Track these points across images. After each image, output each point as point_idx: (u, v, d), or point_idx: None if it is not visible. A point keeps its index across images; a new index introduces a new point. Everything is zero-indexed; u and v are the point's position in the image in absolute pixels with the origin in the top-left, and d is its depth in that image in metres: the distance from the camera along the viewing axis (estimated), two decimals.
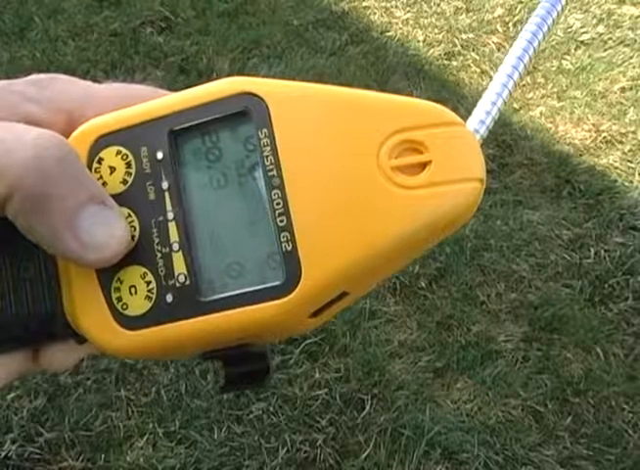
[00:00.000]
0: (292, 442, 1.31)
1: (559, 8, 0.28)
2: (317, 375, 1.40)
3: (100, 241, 0.24)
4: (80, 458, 1.27)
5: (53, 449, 1.28)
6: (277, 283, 0.24)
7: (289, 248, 0.25)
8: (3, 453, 1.26)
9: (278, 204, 0.25)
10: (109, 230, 0.24)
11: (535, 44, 0.27)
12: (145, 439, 1.29)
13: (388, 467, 1.29)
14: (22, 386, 1.35)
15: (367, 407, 1.36)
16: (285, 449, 1.30)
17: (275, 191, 0.25)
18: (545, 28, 0.28)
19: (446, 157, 0.25)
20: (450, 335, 1.50)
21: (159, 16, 2.23)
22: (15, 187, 0.23)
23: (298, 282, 0.24)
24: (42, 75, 0.27)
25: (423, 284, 1.58)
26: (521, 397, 1.41)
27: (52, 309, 0.26)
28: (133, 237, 0.26)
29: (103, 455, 1.27)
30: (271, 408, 1.34)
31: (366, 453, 1.30)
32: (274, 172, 0.25)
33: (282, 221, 0.25)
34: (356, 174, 0.25)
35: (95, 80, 0.28)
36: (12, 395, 1.33)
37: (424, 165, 0.25)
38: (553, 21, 0.28)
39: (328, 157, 0.25)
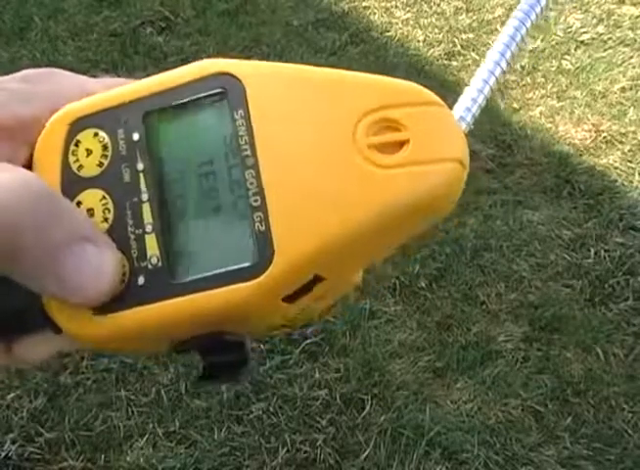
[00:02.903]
0: (292, 442, 1.31)
1: None
2: (317, 375, 1.40)
3: (85, 283, 0.23)
4: (80, 458, 1.27)
5: (53, 449, 1.28)
6: (249, 264, 0.24)
7: (262, 228, 0.24)
8: (3, 453, 1.26)
9: (252, 184, 0.24)
10: (94, 271, 0.23)
11: (523, 31, 0.27)
12: (145, 439, 1.29)
13: (388, 467, 1.29)
14: (22, 386, 1.35)
15: (367, 407, 1.36)
16: (285, 449, 1.30)
17: (249, 171, 0.25)
18: (533, 16, 0.27)
19: (424, 136, 0.24)
20: (450, 335, 1.50)
21: (159, 16, 2.23)
22: None
23: (270, 263, 0.24)
24: (36, 71, 0.27)
25: (423, 284, 1.58)
26: (521, 397, 1.41)
27: (30, 297, 0.25)
28: (107, 220, 0.25)
29: (103, 455, 1.27)
30: (271, 408, 1.34)
31: (366, 453, 1.30)
32: (248, 152, 0.25)
33: (256, 201, 0.24)
34: (332, 153, 0.24)
35: (94, 78, 0.28)
36: (12, 395, 1.33)
37: (401, 144, 0.24)
38: (541, 8, 0.27)
39: (303, 136, 0.25)
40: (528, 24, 0.27)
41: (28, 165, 0.26)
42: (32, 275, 0.23)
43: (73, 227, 0.23)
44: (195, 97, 0.26)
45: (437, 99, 0.25)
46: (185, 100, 0.26)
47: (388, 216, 0.24)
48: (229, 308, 0.24)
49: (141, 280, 0.25)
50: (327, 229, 0.24)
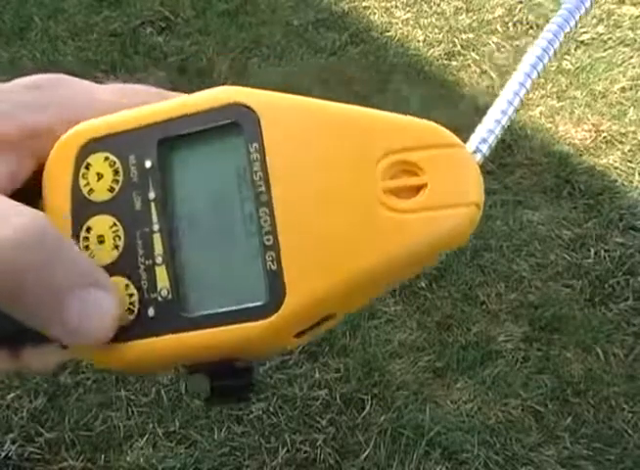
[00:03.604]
0: (292, 442, 1.31)
1: (572, 24, 0.27)
2: (317, 375, 1.40)
3: (87, 327, 0.23)
4: (80, 458, 1.27)
5: (53, 449, 1.28)
6: (260, 303, 0.24)
7: (274, 267, 0.24)
8: (3, 453, 1.26)
9: (265, 221, 0.24)
10: (98, 314, 0.23)
11: (545, 60, 0.26)
12: (145, 439, 1.29)
13: (388, 467, 1.29)
14: (22, 386, 1.35)
15: (367, 407, 1.36)
16: (285, 449, 1.30)
17: (263, 208, 0.24)
18: (556, 45, 0.27)
19: (442, 180, 0.24)
20: (450, 335, 1.50)
21: (159, 16, 2.23)
22: None
23: (281, 304, 0.24)
24: (43, 77, 0.26)
25: (423, 284, 1.58)
26: (521, 397, 1.41)
27: None
28: (117, 247, 0.25)
29: (103, 455, 1.27)
30: (271, 408, 1.34)
31: (366, 453, 1.30)
32: (262, 188, 0.24)
33: (268, 240, 0.24)
34: (347, 195, 0.24)
35: (96, 80, 0.28)
36: (12, 395, 1.33)
37: (419, 188, 0.24)
38: (564, 37, 0.27)
39: (319, 175, 0.24)
40: (552, 54, 0.27)
41: (34, 178, 0.26)
42: (35, 316, 0.23)
43: (78, 271, 0.23)
44: (210, 126, 0.25)
45: (456, 140, 0.25)
46: (200, 129, 0.25)
47: (402, 260, 0.24)
48: (239, 345, 0.24)
49: (151, 312, 0.25)
50: (340, 273, 0.24)
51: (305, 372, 1.41)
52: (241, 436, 1.31)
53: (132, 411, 1.33)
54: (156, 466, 1.26)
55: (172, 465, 1.26)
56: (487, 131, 0.26)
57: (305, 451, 1.30)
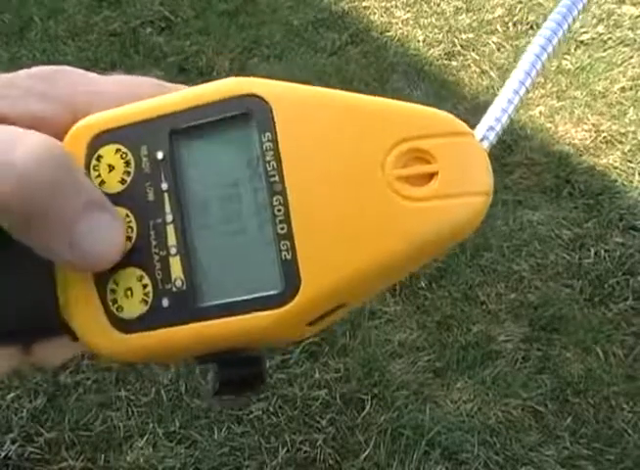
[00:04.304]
0: (292, 442, 1.31)
1: (575, 13, 0.27)
2: (317, 375, 1.40)
3: (96, 249, 0.23)
4: (80, 458, 1.27)
5: (53, 449, 1.28)
6: (275, 292, 0.24)
7: (288, 257, 0.24)
8: (3, 453, 1.26)
9: (279, 210, 0.24)
10: (105, 237, 0.24)
11: (549, 50, 0.27)
12: (145, 439, 1.29)
13: (388, 467, 1.29)
14: (22, 386, 1.35)
15: (367, 407, 1.36)
16: (285, 449, 1.30)
17: (276, 197, 0.24)
18: (560, 33, 0.27)
19: (454, 168, 0.24)
20: (450, 335, 1.50)
21: (158, 16, 2.23)
22: (5, 204, 0.22)
23: (297, 292, 0.24)
24: (47, 68, 0.26)
25: (423, 284, 1.58)
26: (521, 397, 1.41)
27: (48, 307, 0.25)
28: (130, 238, 0.25)
29: (103, 455, 1.27)
30: (271, 408, 1.34)
31: (366, 453, 1.30)
32: (276, 178, 0.25)
33: (282, 229, 0.24)
34: (360, 183, 0.24)
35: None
36: (12, 395, 1.33)
37: (430, 176, 0.24)
38: (568, 26, 0.27)
39: (332, 163, 0.24)
40: (556, 42, 0.27)
41: None
42: (46, 240, 0.23)
43: (87, 194, 0.23)
44: (222, 117, 0.25)
45: (467, 128, 0.25)
46: (212, 120, 0.25)
47: (414, 248, 0.24)
48: (254, 334, 0.24)
49: (165, 302, 0.25)
50: (354, 262, 0.24)
51: (305, 372, 1.41)
52: (241, 436, 1.31)
53: (132, 411, 1.33)
54: (156, 466, 1.26)
55: (172, 465, 1.26)
56: (495, 119, 0.26)
57: (305, 451, 1.30)
